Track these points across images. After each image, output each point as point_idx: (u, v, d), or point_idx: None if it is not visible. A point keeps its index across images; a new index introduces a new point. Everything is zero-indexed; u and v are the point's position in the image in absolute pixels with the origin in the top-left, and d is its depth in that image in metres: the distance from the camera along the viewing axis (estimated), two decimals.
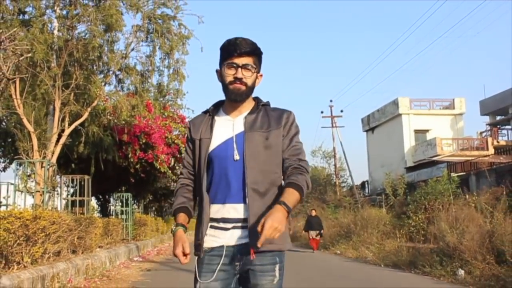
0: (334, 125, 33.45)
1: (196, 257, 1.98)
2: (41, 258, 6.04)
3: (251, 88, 2.00)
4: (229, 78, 1.96)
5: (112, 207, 17.46)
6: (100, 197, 17.87)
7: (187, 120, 15.52)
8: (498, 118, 30.56)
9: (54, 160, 9.29)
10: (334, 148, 34.25)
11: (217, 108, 2.11)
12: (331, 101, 50.29)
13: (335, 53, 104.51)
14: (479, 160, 21.78)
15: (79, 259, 7.38)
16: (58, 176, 10.37)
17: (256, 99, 2.10)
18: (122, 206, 14.77)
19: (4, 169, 13.42)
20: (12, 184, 8.75)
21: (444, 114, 30.12)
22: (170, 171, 14.99)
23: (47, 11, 9.83)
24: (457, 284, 7.73)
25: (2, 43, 6.48)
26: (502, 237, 8.16)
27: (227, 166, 1.95)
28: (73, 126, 9.85)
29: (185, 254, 1.88)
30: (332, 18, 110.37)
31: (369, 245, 13.58)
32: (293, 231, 22.76)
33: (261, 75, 2.07)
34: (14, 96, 8.57)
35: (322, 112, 34.02)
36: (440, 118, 29.86)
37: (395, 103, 30.38)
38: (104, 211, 17.58)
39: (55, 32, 9.68)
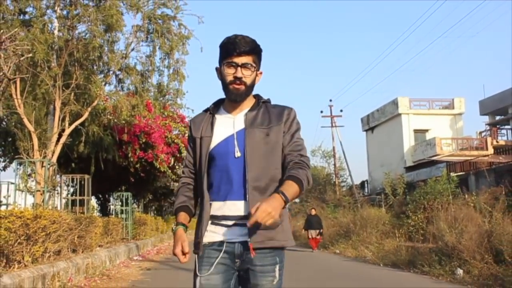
0: (333, 124, 33.48)
1: (196, 255, 1.98)
2: (42, 257, 6.07)
3: (250, 87, 1.99)
4: (229, 78, 1.95)
5: (112, 207, 17.48)
6: (100, 196, 17.89)
7: (187, 119, 15.55)
8: (497, 118, 30.57)
9: (54, 159, 9.32)
10: (333, 147, 34.33)
11: (217, 106, 2.10)
12: (330, 100, 50.30)
13: (335, 53, 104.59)
14: (479, 160, 21.80)
15: (79, 258, 7.40)
16: (58, 176, 10.38)
17: (257, 96, 2.09)
18: (122, 206, 14.79)
19: (5, 168, 13.47)
20: (12, 183, 8.79)
21: (444, 114, 30.14)
22: (170, 171, 15.02)
23: (48, 11, 9.87)
24: (456, 284, 7.75)
25: (3, 43, 6.50)
26: (501, 237, 8.18)
27: (228, 163, 1.95)
28: (73, 126, 9.88)
29: (184, 253, 1.88)
30: (332, 18, 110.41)
31: (368, 244, 13.60)
32: (292, 230, 22.66)
33: (261, 73, 2.05)
34: (14, 96, 8.60)
35: (321, 111, 34.11)
36: (440, 118, 29.89)
37: (394, 103, 30.40)
38: (104, 211, 17.61)
39: (56, 32, 9.71)
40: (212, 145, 1.99)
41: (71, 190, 13.29)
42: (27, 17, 9.85)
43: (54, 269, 5.99)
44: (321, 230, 17.12)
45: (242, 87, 1.96)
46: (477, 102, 31.07)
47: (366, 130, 34.96)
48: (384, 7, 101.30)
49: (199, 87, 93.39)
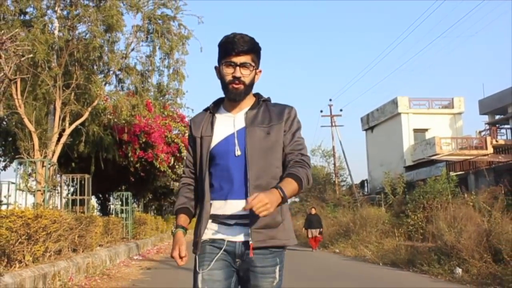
0: (333, 124, 33.49)
1: (195, 255, 1.97)
2: (43, 256, 6.10)
3: (250, 86, 1.99)
4: (228, 77, 1.95)
5: (112, 206, 17.48)
6: (100, 196, 17.92)
7: (187, 119, 15.58)
8: (497, 117, 30.59)
9: (54, 159, 9.34)
10: (333, 147, 34.34)
11: (217, 105, 2.09)
12: (330, 100, 49.93)
13: (335, 53, 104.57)
14: (478, 159, 21.81)
15: (80, 257, 7.43)
16: (58, 175, 10.42)
17: (257, 95, 2.08)
18: (122, 205, 14.81)
19: (5, 168, 13.50)
20: (13, 183, 8.81)
21: (443, 113, 30.17)
22: (169, 170, 15.04)
23: (48, 11, 9.88)
24: (455, 283, 7.77)
25: (4, 44, 6.53)
26: (499, 236, 8.21)
27: (228, 162, 1.94)
28: (73, 126, 9.91)
29: (181, 257, 1.89)
30: (332, 17, 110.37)
31: (368, 243, 13.63)
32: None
33: (260, 71, 2.04)
34: (15, 96, 8.62)
35: (321, 111, 34.14)
36: (439, 117, 29.92)
37: (394, 102, 30.42)
38: (104, 210, 17.64)
39: (56, 32, 9.73)
40: (213, 144, 1.99)
41: (72, 189, 13.33)
42: (27, 17, 9.88)
43: (55, 269, 6.02)
44: (321, 229, 17.17)
45: (241, 87, 1.96)
46: (477, 102, 31.13)
47: (366, 130, 34.99)
48: (383, 7, 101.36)
49: (199, 87, 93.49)
